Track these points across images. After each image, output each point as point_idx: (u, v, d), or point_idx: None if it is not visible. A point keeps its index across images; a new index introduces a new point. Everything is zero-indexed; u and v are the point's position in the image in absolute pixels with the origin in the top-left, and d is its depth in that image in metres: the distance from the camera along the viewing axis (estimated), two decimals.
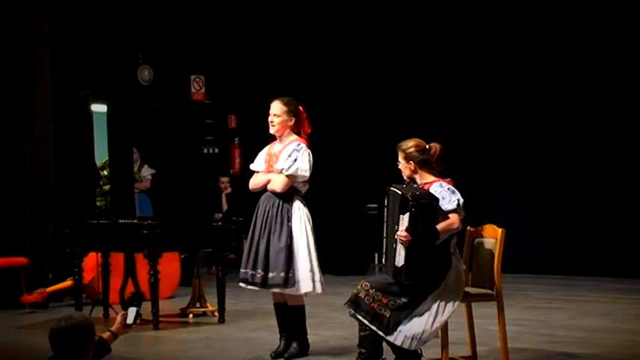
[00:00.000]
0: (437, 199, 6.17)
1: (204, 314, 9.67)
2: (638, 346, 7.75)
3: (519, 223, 12.52)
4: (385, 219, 6.45)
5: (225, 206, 14.20)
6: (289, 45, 13.84)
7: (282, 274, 7.09)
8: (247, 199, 8.60)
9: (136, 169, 13.10)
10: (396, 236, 6.15)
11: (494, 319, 6.67)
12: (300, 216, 7.21)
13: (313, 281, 7.13)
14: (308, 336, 7.39)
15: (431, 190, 6.25)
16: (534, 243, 12.81)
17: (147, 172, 13.35)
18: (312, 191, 7.49)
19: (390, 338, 6.23)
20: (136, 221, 9.67)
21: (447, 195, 6.25)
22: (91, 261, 10.06)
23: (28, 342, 8.39)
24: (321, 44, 13.59)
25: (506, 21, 12.89)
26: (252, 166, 7.50)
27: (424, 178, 6.42)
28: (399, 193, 6.19)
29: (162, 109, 13.66)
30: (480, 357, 6.91)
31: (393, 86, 13.57)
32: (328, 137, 12.58)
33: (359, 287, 6.36)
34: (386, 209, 6.43)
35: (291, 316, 7.31)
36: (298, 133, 7.33)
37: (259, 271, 7.15)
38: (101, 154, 12.78)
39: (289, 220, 7.17)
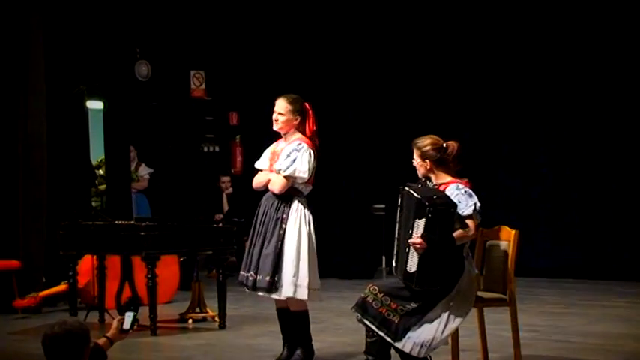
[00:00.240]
0: (455, 205, 6.13)
1: (204, 319, 9.66)
2: None
3: (533, 224, 12.49)
4: (398, 219, 6.41)
5: (225, 207, 14.20)
6: (294, 39, 13.82)
7: (268, 277, 7.11)
8: (249, 200, 8.60)
9: (133, 168, 13.11)
10: (410, 242, 6.11)
11: (507, 324, 6.66)
12: (296, 218, 7.20)
13: (295, 285, 7.11)
14: (312, 342, 7.38)
15: (447, 192, 6.21)
16: (548, 245, 12.78)
17: (144, 171, 13.36)
18: (317, 191, 7.47)
19: (399, 345, 6.21)
20: (133, 222, 9.67)
21: (463, 199, 6.21)
22: (86, 264, 10.05)
23: (20, 348, 8.39)
24: (327, 40, 13.56)
25: (528, 17, 12.85)
26: (256, 165, 7.51)
27: (440, 179, 6.38)
28: (416, 196, 6.13)
29: (161, 106, 13.68)
30: None
31: (401, 83, 13.56)
32: (334, 135, 12.57)
33: (367, 291, 6.35)
34: (399, 209, 6.40)
35: (294, 322, 7.30)
36: (303, 131, 7.32)
37: (251, 273, 7.19)
38: (97, 153, 12.80)
39: (283, 222, 7.18)
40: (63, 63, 11.32)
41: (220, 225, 10.01)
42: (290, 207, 7.21)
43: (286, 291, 7.11)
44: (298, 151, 7.20)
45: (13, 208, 10.70)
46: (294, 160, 7.18)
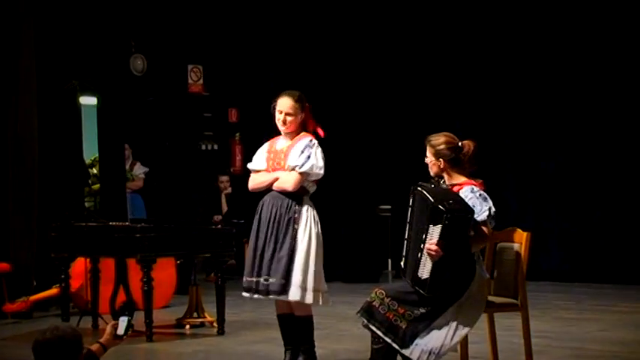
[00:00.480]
0: (472, 211, 6.08)
1: (201, 325, 9.66)
2: None
3: (545, 227, 12.50)
4: (408, 220, 6.35)
5: (224, 207, 14.21)
6: (297, 32, 13.81)
7: (282, 280, 7.08)
8: (249, 200, 8.59)
9: (128, 166, 13.12)
10: (424, 249, 6.06)
11: (519, 330, 6.65)
12: (306, 218, 7.19)
13: (303, 289, 7.10)
14: (315, 349, 7.37)
15: (461, 195, 6.18)
16: (561, 249, 12.79)
17: (140, 170, 13.36)
18: (319, 191, 7.45)
19: (406, 352, 6.20)
20: (127, 224, 9.68)
21: (478, 203, 6.17)
22: (79, 267, 10.06)
23: (10, 355, 8.38)
24: (330, 36, 13.57)
25: (539, 18, 12.85)
26: (250, 165, 7.44)
27: (454, 179, 6.35)
28: (431, 199, 6.06)
29: (157, 102, 13.69)
30: None
31: (406, 81, 13.56)
32: (337, 134, 12.53)
33: (373, 295, 6.32)
34: (410, 209, 6.34)
35: (298, 328, 7.28)
36: (304, 127, 7.30)
37: (265, 277, 7.12)
38: (90, 151, 12.81)
39: (296, 222, 7.15)
40: (54, 57, 11.32)
41: (219, 226, 10.03)
42: (301, 206, 7.19)
43: (293, 294, 7.09)
44: (311, 147, 7.19)
45: (2, 208, 10.70)
46: (309, 157, 7.16)
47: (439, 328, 6.16)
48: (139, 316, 8.55)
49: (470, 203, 6.12)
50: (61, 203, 11.06)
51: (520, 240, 6.57)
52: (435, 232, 6.01)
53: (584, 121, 12.68)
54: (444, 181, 6.38)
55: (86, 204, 12.33)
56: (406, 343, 6.17)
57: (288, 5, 13.83)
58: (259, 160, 7.39)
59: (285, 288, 7.09)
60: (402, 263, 6.39)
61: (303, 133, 7.28)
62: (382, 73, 13.55)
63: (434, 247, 5.99)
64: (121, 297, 9.54)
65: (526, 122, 13.02)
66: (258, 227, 7.25)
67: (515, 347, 7.32)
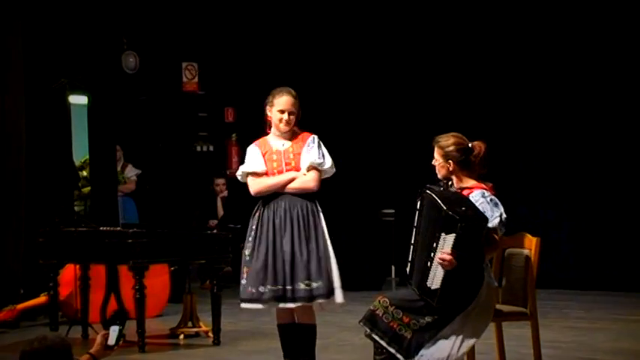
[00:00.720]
0: (486, 219, 6.03)
1: (196, 335, 9.65)
2: None
3: (555, 233, 12.50)
4: (415, 224, 6.31)
5: (220, 212, 14.20)
6: (295, 29, 13.83)
7: (328, 282, 7.10)
8: (245, 204, 8.57)
9: (119, 169, 13.12)
10: (435, 258, 6.02)
11: (528, 340, 6.65)
12: (323, 217, 7.23)
13: (339, 289, 7.16)
14: None
15: (471, 199, 6.15)
16: (572, 255, 12.79)
17: (132, 172, 13.36)
18: (320, 195, 7.44)
19: None
20: (119, 229, 9.66)
21: (488, 209, 6.13)
22: (69, 274, 10.06)
23: None
24: (333, 33, 13.57)
25: (543, 20, 12.86)
26: (248, 168, 7.38)
27: (463, 182, 6.33)
28: (442, 205, 6.00)
29: (150, 101, 13.70)
30: None
31: (411, 80, 13.57)
32: (338, 136, 12.55)
33: (376, 303, 6.30)
34: (417, 213, 6.29)
35: (301, 337, 7.25)
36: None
37: (303, 283, 7.06)
38: (80, 152, 12.80)
39: (317, 223, 7.17)
40: (43, 53, 11.31)
41: (214, 231, 10.02)
42: (317, 206, 7.22)
43: (339, 296, 7.15)
44: (320, 145, 7.22)
45: None
46: (324, 155, 7.19)
47: (446, 337, 6.13)
48: (131, 326, 8.56)
49: (480, 208, 6.09)
50: (49, 207, 11.05)
51: (530, 246, 6.56)
52: (447, 242, 5.95)
53: (600, 125, 12.67)
54: (452, 184, 6.36)
55: (76, 208, 12.32)
56: (411, 353, 6.15)
57: (286, 2, 13.83)
58: (256, 162, 7.33)
59: (332, 290, 7.09)
60: (407, 269, 6.37)
61: (302, 132, 7.28)
62: (384, 74, 13.56)
63: (447, 257, 5.92)
64: (112, 305, 9.54)
65: (541, 127, 13.00)
66: (274, 232, 7.18)
67: (524, 357, 7.33)
